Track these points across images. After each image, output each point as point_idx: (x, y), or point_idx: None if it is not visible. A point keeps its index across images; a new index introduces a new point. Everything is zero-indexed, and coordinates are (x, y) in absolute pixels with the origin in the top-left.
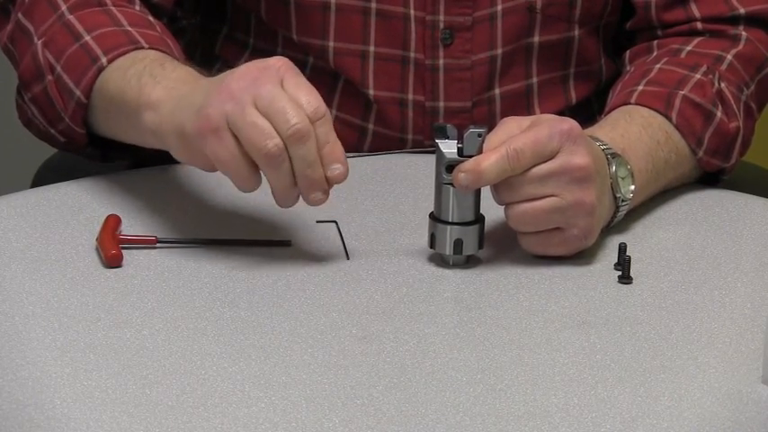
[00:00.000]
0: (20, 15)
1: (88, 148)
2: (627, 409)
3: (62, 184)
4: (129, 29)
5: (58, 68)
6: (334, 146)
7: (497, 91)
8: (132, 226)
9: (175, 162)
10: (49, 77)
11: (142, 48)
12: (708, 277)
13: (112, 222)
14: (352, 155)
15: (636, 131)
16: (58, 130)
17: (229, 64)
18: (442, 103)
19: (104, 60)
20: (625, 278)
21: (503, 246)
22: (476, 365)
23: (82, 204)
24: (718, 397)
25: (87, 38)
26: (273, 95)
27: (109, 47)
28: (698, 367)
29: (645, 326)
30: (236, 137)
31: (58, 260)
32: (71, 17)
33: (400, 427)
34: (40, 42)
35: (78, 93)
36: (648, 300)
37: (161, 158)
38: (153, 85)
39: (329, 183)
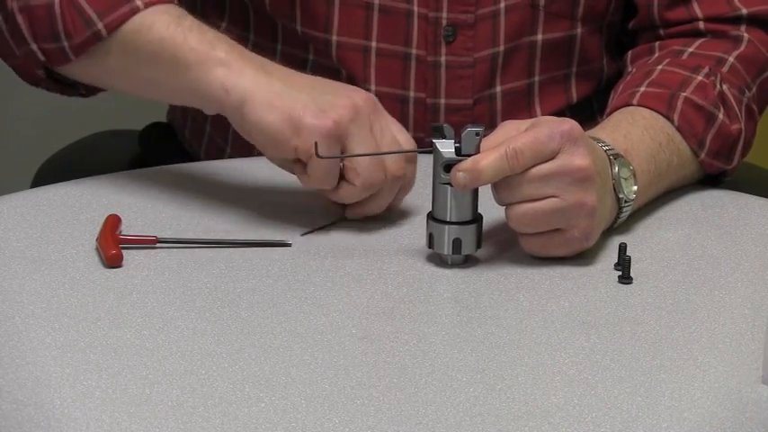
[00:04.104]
0: None
1: (43, 71)
2: (627, 409)
3: (62, 184)
4: None
5: None
6: (412, 179)
7: (498, 89)
8: (132, 226)
9: (175, 162)
10: None
11: (174, 3)
12: (708, 277)
13: (112, 222)
14: (352, 155)
15: (638, 133)
16: (40, 47)
17: None
18: (443, 100)
19: (140, 3)
20: (625, 278)
21: (502, 246)
22: (476, 365)
23: (82, 204)
24: (718, 397)
25: None
26: (387, 130)
27: None
28: (698, 367)
29: (645, 326)
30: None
31: (58, 260)
32: None
33: (400, 427)
34: None
35: (100, 26)
36: (648, 300)
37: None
38: (228, 45)
39: (393, 202)
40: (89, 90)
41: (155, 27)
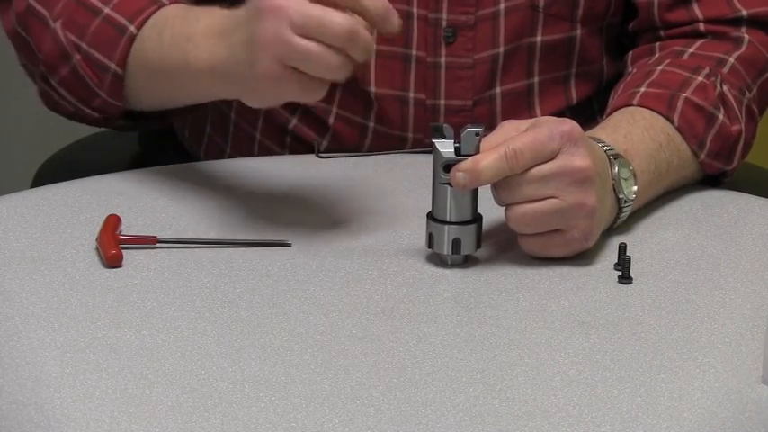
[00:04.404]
0: (30, 0)
1: (120, 120)
2: (627, 409)
3: (62, 184)
4: None
5: (84, 46)
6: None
7: (498, 90)
8: (132, 226)
9: (175, 162)
10: (77, 57)
11: (163, 4)
12: (708, 277)
13: (112, 222)
14: (352, 155)
15: (639, 133)
16: (92, 108)
17: None
18: (443, 102)
19: (133, 28)
20: (625, 278)
21: (502, 245)
22: (476, 365)
23: (82, 204)
24: (718, 397)
25: (107, 10)
26: (305, 15)
27: (132, 12)
28: (698, 367)
29: (645, 326)
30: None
31: (58, 260)
32: None
33: (400, 426)
34: (58, 24)
35: (113, 66)
36: (648, 300)
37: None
38: (195, 51)
39: (394, 32)
40: (187, 110)
41: (147, 50)
